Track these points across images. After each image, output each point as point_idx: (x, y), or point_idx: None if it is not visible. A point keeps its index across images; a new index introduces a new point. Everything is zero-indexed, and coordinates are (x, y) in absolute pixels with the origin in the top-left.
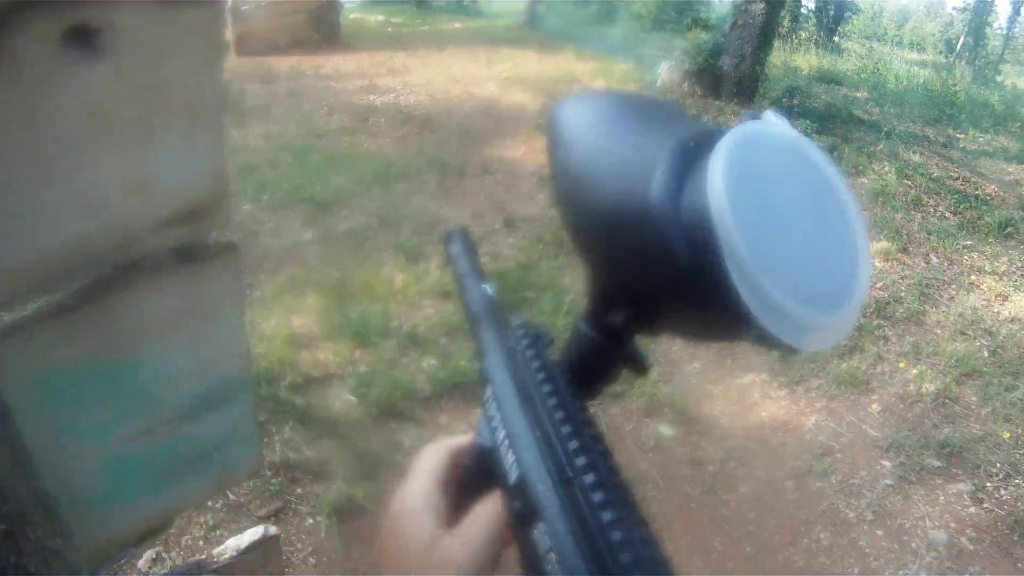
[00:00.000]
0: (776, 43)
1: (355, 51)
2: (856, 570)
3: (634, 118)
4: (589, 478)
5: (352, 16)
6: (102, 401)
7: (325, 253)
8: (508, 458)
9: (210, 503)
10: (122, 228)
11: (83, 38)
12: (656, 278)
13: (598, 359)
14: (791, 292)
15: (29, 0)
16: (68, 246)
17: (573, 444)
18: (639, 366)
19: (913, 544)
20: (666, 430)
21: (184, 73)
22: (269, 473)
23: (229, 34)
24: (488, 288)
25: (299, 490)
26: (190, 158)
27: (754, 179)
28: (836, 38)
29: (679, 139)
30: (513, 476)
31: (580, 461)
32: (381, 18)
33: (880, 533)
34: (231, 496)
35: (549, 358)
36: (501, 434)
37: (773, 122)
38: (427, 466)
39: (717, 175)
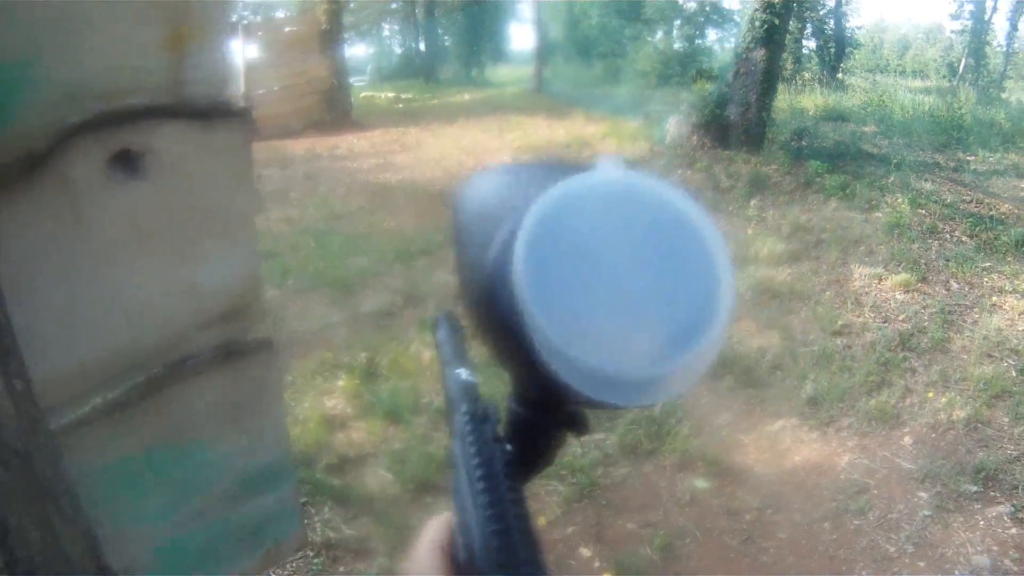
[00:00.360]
0: (780, 86)
1: (368, 129)
2: None
3: (506, 188)
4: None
5: (363, 95)
6: (158, 487)
7: (352, 334)
8: (458, 541)
9: None
10: (169, 330)
11: (127, 161)
12: (508, 354)
13: (530, 432)
14: (610, 353)
15: (79, 125)
16: (121, 348)
17: (493, 534)
18: (577, 426)
19: (956, 572)
20: (700, 483)
21: (219, 187)
22: (311, 553)
23: None
24: (464, 373)
25: (341, 568)
26: (227, 263)
27: (567, 240)
28: (840, 75)
29: (513, 208)
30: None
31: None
32: (391, 94)
33: (922, 564)
34: None
35: (490, 441)
36: (455, 518)
37: (605, 170)
38: (430, 536)
39: (520, 247)
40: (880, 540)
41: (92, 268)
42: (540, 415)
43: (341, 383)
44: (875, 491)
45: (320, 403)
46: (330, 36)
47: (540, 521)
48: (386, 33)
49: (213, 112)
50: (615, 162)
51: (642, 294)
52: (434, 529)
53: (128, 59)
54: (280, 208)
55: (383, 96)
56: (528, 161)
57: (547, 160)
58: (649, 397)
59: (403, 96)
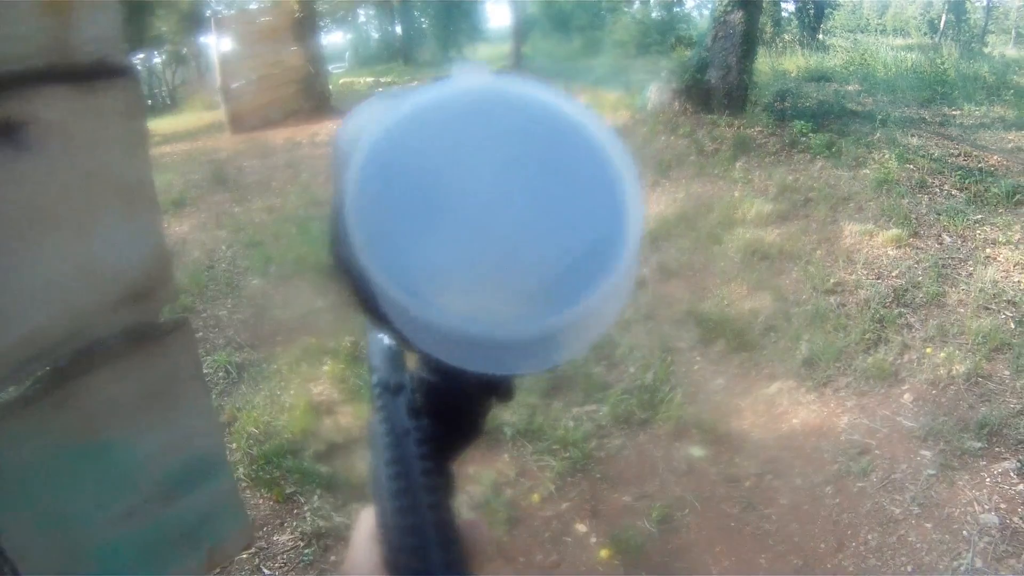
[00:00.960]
0: (761, 49)
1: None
2: (909, 568)
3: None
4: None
5: (342, 81)
6: (79, 488)
7: (336, 319)
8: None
9: None
10: (72, 316)
11: (10, 133)
12: (371, 314)
13: (446, 402)
14: (472, 309)
15: None
16: (22, 338)
17: (404, 528)
18: (500, 392)
19: (964, 532)
20: (697, 451)
21: (112, 156)
22: (302, 544)
23: (223, 114)
24: (385, 337)
25: (333, 558)
26: (130, 239)
27: (413, 168)
28: (820, 36)
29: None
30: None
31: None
32: (370, 79)
33: (929, 526)
34: (265, 571)
35: (402, 416)
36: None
37: (462, 80)
38: (366, 527)
39: (351, 180)
40: (884, 502)
41: None
42: (451, 382)
43: (326, 368)
44: (877, 451)
45: (306, 390)
46: (304, 24)
47: (534, 498)
48: (362, 19)
49: (98, 73)
50: (476, 69)
51: (515, 230)
52: (368, 519)
53: (2, 25)
54: (261, 198)
55: (362, 81)
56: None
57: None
58: (533, 363)
59: (382, 80)
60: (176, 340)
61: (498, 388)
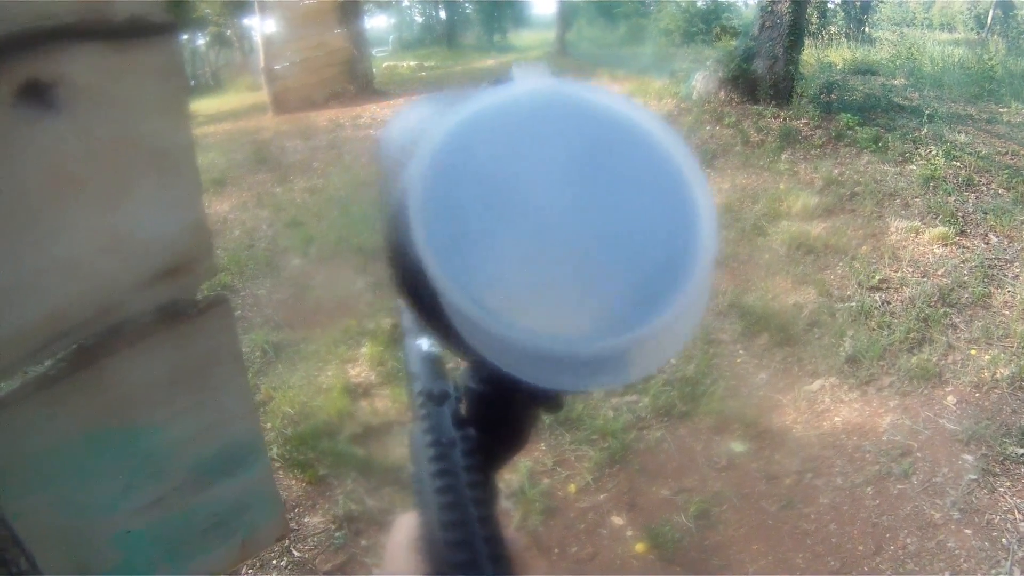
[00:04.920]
0: (807, 41)
1: (390, 98)
2: (947, 574)
3: (424, 119)
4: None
5: (385, 64)
6: (104, 473)
7: (376, 300)
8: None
9: (274, 561)
10: (102, 291)
11: (37, 94)
12: (430, 321)
13: (493, 412)
14: (543, 323)
15: None
16: (48, 315)
17: (452, 539)
18: (549, 403)
19: (1004, 540)
20: (737, 446)
21: (148, 120)
22: (333, 527)
23: (266, 95)
24: (426, 343)
25: (364, 542)
26: (167, 210)
27: (479, 174)
28: (866, 29)
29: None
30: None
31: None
32: (413, 63)
33: (968, 532)
34: (296, 553)
35: (448, 426)
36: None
37: (525, 82)
38: (402, 534)
39: (416, 186)
40: (924, 506)
41: (3, 222)
42: (500, 392)
43: (365, 350)
44: (918, 454)
45: (343, 371)
46: (348, 7)
47: (570, 488)
48: (406, 3)
49: (134, 31)
50: (536, 70)
51: (586, 241)
52: (406, 526)
53: None
54: (304, 178)
55: (405, 65)
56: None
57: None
58: (605, 379)
59: (425, 64)
60: (213, 319)
61: (547, 399)
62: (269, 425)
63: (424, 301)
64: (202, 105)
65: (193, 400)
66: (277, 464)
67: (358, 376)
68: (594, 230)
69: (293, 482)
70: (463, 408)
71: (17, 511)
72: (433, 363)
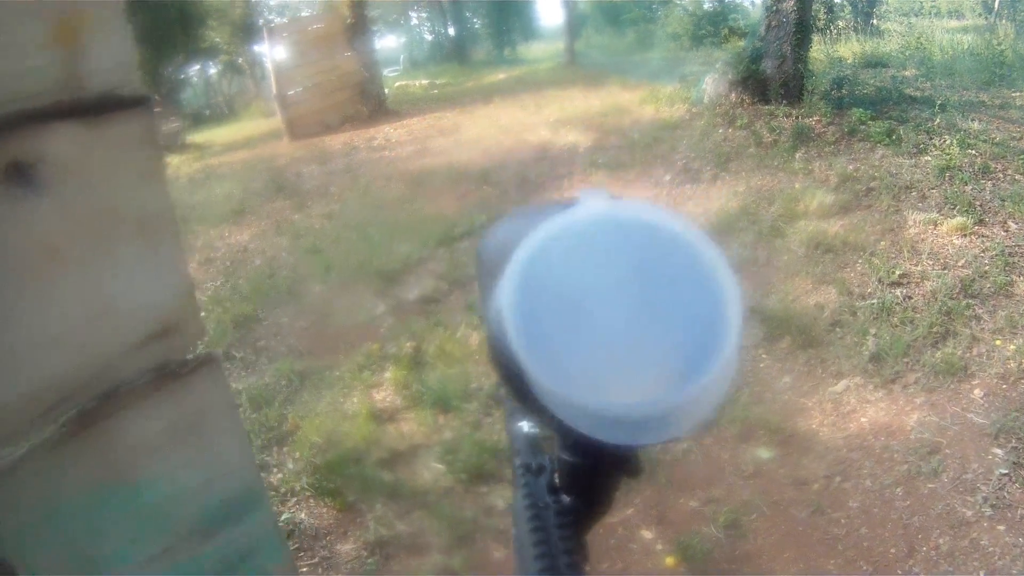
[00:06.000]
0: (815, 37)
1: (404, 117)
2: (981, 573)
3: (511, 236)
4: None
5: (397, 84)
6: (113, 528)
7: (398, 323)
8: None
9: None
10: (96, 357)
11: (20, 175)
12: (525, 401)
13: (582, 479)
14: (606, 391)
15: None
16: (47, 382)
17: None
18: (629, 469)
19: None
20: (764, 453)
21: (127, 191)
22: (365, 553)
23: (280, 121)
24: (527, 425)
25: (395, 566)
26: (152, 276)
27: (554, 280)
28: (874, 21)
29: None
30: None
31: None
32: (425, 82)
33: (1002, 528)
34: None
35: (543, 494)
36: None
37: (589, 204)
38: None
39: (506, 292)
40: (956, 503)
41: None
42: (587, 461)
43: (388, 374)
44: (947, 450)
45: (368, 397)
46: (356, 30)
47: None
48: (414, 22)
49: (109, 106)
50: (599, 194)
51: (638, 326)
52: None
53: (8, 61)
54: (321, 204)
55: (417, 84)
56: (539, 204)
57: (555, 202)
58: (661, 434)
59: (437, 82)
60: (205, 376)
61: (628, 465)
62: (297, 454)
63: (522, 389)
64: (217, 134)
65: (192, 453)
66: (307, 492)
67: (383, 401)
68: (648, 319)
69: (324, 510)
70: (557, 479)
71: (32, 568)
72: (532, 441)
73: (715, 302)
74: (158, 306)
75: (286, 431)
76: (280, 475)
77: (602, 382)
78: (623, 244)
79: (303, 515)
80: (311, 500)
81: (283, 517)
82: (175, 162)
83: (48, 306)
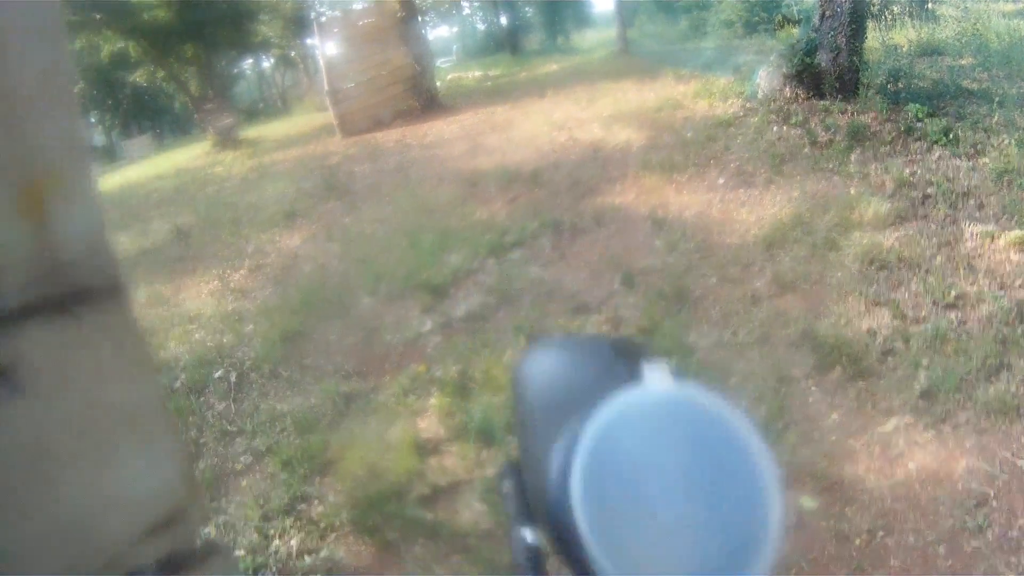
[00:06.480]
0: (870, 24)
1: (457, 112)
2: None
3: (560, 376)
4: None
5: (450, 76)
6: None
7: (445, 342)
8: None
9: None
10: (102, 551)
11: (1, 381)
12: (576, 565)
13: None
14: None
15: None
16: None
17: None
18: None
19: None
20: (808, 502)
21: (112, 385)
22: None
23: (332, 116)
24: (529, 535)
25: None
26: (149, 466)
27: (619, 468)
28: (929, 4)
29: (566, 412)
30: None
31: None
32: (478, 73)
33: None
34: None
35: None
36: None
37: (653, 384)
38: None
39: (576, 482)
40: (999, 564)
41: (2, 498)
42: None
43: (434, 401)
44: (994, 503)
45: (412, 425)
46: (407, 23)
47: None
48: (467, 11)
49: (83, 300)
50: (662, 371)
51: (692, 519)
52: None
53: None
54: (372, 206)
55: (470, 76)
56: (579, 338)
57: (597, 339)
58: None
59: (490, 73)
60: (214, 565)
61: None
62: (339, 486)
63: (572, 553)
64: (270, 129)
65: None
66: (347, 528)
67: (427, 430)
68: (700, 502)
69: (362, 547)
70: None
71: None
72: (534, 556)
73: (762, 495)
74: (158, 497)
75: (329, 459)
76: (321, 507)
77: (661, 568)
78: (683, 433)
79: (341, 552)
80: (350, 536)
81: (321, 554)
82: (228, 159)
83: (49, 504)
